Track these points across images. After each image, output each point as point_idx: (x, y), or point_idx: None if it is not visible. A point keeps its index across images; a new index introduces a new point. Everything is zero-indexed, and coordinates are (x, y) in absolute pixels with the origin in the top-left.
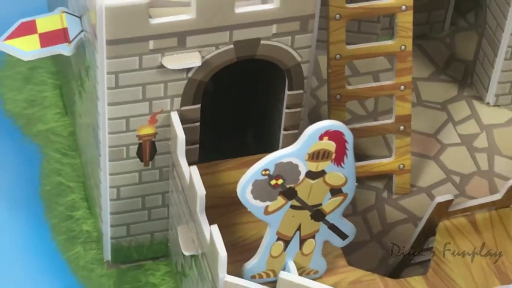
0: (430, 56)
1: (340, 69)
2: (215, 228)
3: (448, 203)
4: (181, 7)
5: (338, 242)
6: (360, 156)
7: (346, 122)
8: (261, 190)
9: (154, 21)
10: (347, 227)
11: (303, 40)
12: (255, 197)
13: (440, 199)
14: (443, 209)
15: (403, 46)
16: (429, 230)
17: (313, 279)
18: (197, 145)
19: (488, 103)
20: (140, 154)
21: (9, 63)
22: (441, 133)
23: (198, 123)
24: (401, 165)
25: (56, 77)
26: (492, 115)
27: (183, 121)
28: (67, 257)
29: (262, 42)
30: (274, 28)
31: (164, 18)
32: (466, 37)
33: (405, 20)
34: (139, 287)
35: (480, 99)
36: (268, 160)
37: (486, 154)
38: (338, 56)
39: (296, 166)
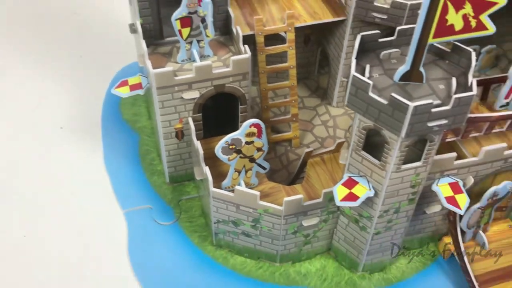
0: (308, 86)
1: (266, 94)
2: (207, 168)
3: (311, 152)
4: (188, 70)
5: (262, 171)
6: (278, 131)
7: (271, 118)
8: (225, 151)
9: (177, 78)
10: (266, 164)
11: (244, 83)
12: (223, 154)
13: (307, 150)
14: (309, 154)
15: (292, 83)
16: (304, 163)
17: (252, 188)
18: (202, 131)
19: (334, 106)
20: (177, 136)
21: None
22: (313, 120)
23: (201, 121)
24: (295, 135)
25: (146, 102)
26: (335, 111)
27: (194, 121)
28: (150, 181)
29: (226, 85)
30: (230, 79)
31: (181, 76)
32: (324, 78)
33: (293, 72)
34: (182, 193)
35: (330, 104)
36: (228, 137)
37: (332, 128)
38: (264, 89)
39: (240, 139)
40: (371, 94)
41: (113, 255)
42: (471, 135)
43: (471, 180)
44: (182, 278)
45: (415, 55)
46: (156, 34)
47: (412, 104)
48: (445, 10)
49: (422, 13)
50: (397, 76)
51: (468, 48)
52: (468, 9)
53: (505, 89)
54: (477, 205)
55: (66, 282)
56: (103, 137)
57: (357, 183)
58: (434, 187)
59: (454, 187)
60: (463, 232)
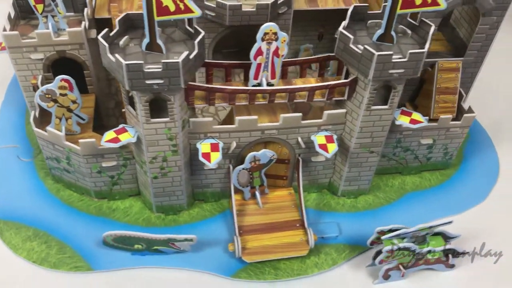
0: None
1: None
2: (36, 112)
3: None
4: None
5: (82, 121)
6: None
7: None
8: (43, 99)
9: (23, 40)
10: (84, 116)
11: (83, 52)
12: (42, 101)
13: None
14: None
15: None
16: None
17: (74, 135)
18: None
19: None
20: (34, 90)
21: None
22: None
23: (52, 80)
24: None
25: None
26: None
27: (45, 79)
28: (27, 128)
29: (67, 52)
30: (69, 47)
31: (26, 40)
32: None
33: None
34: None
35: None
36: (43, 88)
37: None
38: None
39: (54, 90)
40: (108, 55)
41: None
42: (218, 104)
43: (233, 144)
44: (21, 206)
45: (149, 30)
46: (29, 9)
47: (124, 62)
48: None
49: None
50: (143, 46)
51: (193, 29)
52: None
53: (251, 72)
54: (241, 166)
55: None
56: (6, 95)
57: (126, 131)
58: (198, 145)
59: (214, 147)
60: (243, 191)
